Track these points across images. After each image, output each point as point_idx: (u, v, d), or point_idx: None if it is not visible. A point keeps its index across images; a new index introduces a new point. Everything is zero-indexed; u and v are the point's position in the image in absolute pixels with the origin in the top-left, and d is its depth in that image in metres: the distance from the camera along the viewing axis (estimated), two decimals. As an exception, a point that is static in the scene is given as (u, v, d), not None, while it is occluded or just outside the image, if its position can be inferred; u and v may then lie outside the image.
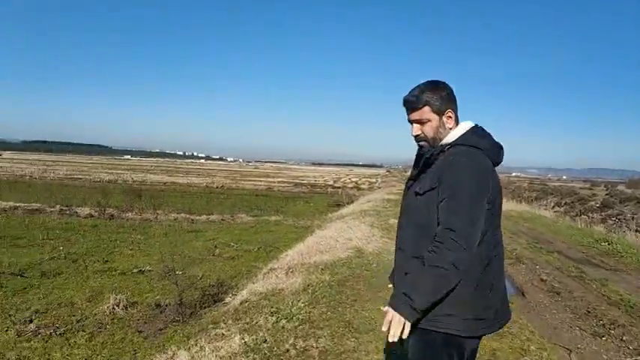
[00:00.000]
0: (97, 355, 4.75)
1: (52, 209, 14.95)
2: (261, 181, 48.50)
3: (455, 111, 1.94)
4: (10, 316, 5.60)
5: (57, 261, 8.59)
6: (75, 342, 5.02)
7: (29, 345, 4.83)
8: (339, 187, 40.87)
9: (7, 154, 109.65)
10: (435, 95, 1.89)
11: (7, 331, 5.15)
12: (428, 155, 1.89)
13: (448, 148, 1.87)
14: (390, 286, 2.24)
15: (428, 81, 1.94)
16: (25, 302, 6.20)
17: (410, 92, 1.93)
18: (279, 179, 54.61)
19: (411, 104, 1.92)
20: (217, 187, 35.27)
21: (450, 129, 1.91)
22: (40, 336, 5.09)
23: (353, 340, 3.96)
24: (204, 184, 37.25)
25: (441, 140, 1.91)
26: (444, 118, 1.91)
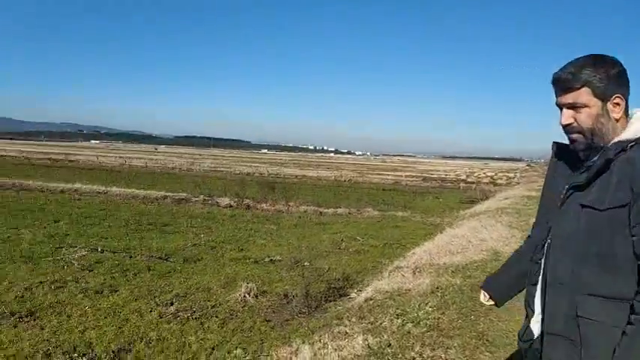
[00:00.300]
0: (228, 341, 4.92)
1: (196, 199, 16.34)
2: (388, 175, 48.15)
3: (625, 97, 1.43)
4: (154, 297, 6.09)
5: (198, 248, 9.25)
6: (208, 327, 5.27)
7: (168, 327, 5.18)
8: (472, 182, 38.94)
9: (161, 149, 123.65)
10: (600, 73, 1.39)
11: (151, 312, 5.58)
12: (611, 156, 1.37)
13: (631, 147, 1.37)
14: (487, 300, 1.87)
15: (591, 54, 1.44)
16: (169, 285, 6.71)
17: (564, 67, 1.45)
18: (407, 173, 53.68)
19: (565, 83, 1.43)
20: (345, 181, 35.77)
21: (617, 120, 1.42)
22: (178, 319, 5.43)
23: (487, 354, 3.55)
24: (333, 178, 38.05)
25: (602, 134, 1.41)
26: (610, 105, 1.41)
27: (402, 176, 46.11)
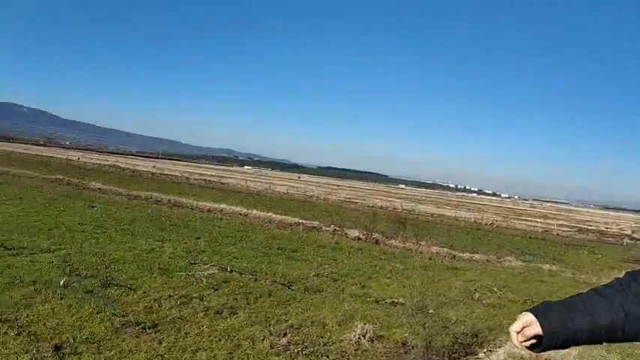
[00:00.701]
0: (334, 387, 4.56)
1: (327, 228, 16.44)
2: (536, 222, 43.95)
3: None
4: (269, 325, 5.99)
5: (320, 278, 9.08)
6: (316, 367, 4.97)
7: (277, 359, 4.99)
8: (639, 239, 33.72)
9: (304, 177, 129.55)
10: None
11: (263, 340, 5.46)
12: None
13: None
14: (523, 340, 1.33)
15: None
16: (285, 314, 6.59)
17: None
18: (559, 222, 48.52)
19: None
20: (486, 224, 33.44)
21: None
22: (288, 352, 5.22)
23: None
24: (473, 219, 35.86)
25: None
26: None
27: (552, 224, 41.73)
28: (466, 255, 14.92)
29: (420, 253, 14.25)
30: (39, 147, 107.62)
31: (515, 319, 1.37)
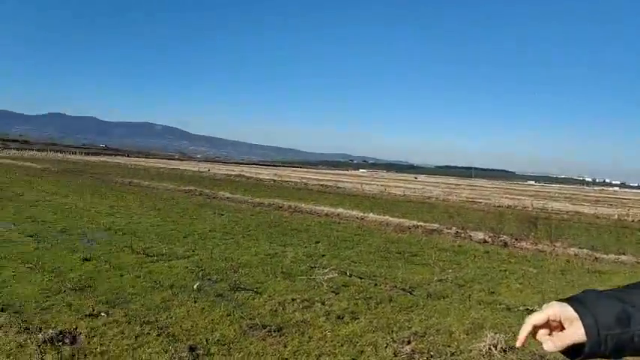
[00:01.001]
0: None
1: (448, 231, 15.71)
2: (697, 216, 38.01)
3: None
4: (392, 332, 5.80)
5: (444, 284, 8.66)
6: (444, 379, 4.68)
7: (402, 369, 4.79)
8: None
9: (421, 178, 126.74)
10: None
11: (386, 347, 5.30)
12: None
13: None
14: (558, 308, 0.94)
15: None
16: (408, 321, 6.35)
17: None
18: None
19: None
20: (632, 221, 29.68)
21: None
22: (413, 361, 5.00)
23: None
24: (616, 216, 32.05)
25: None
26: None
27: None
28: (611, 256, 13.29)
29: (556, 255, 12.98)
30: (173, 161, 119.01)
31: (540, 310, 0.97)
